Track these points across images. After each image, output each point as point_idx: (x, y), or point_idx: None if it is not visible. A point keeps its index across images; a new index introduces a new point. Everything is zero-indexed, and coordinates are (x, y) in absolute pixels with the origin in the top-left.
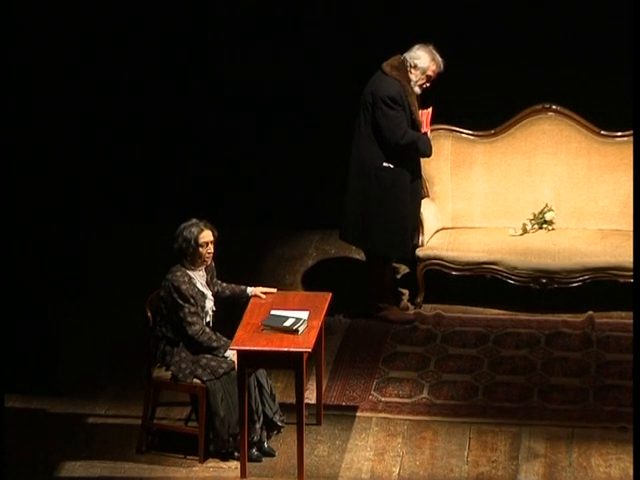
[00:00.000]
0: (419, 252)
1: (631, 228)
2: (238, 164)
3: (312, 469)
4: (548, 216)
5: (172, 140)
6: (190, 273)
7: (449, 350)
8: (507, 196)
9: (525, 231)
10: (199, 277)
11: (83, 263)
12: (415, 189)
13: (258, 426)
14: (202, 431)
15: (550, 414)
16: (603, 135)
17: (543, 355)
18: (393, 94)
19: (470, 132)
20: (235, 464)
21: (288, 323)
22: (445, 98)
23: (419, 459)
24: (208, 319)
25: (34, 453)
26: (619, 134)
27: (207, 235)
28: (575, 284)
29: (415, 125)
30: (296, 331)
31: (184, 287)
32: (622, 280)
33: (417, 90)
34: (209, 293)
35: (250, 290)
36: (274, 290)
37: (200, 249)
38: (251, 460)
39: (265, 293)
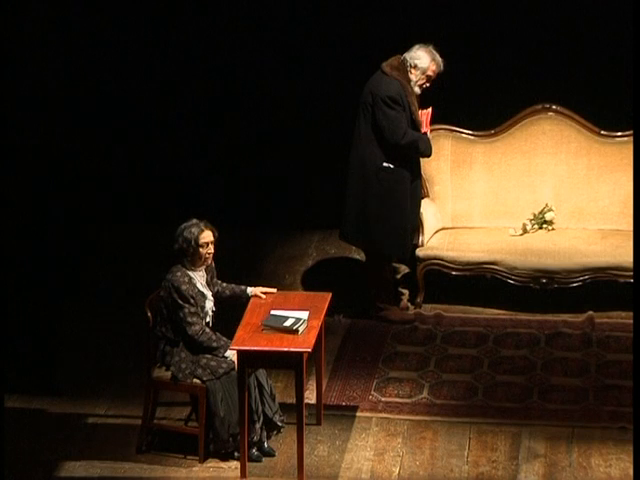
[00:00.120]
0: (419, 252)
1: (631, 228)
2: (238, 164)
3: (312, 469)
4: (548, 216)
5: (172, 140)
6: (190, 273)
7: (449, 350)
8: (507, 196)
9: (525, 231)
10: (199, 277)
11: (83, 263)
12: (415, 189)
13: (258, 426)
14: (202, 431)
15: (550, 414)
16: (603, 135)
17: (543, 355)
18: (393, 94)
19: (470, 132)
20: (235, 464)
21: (288, 323)
22: (445, 98)
23: (419, 459)
24: (208, 319)
25: (34, 453)
26: (619, 134)
27: (207, 235)
28: (575, 284)
29: (415, 125)
30: (296, 331)
31: (184, 287)
32: (622, 280)
33: (417, 90)
34: (209, 293)
35: (250, 290)
36: (274, 290)
37: (200, 249)
38: (251, 460)
39: (265, 293)
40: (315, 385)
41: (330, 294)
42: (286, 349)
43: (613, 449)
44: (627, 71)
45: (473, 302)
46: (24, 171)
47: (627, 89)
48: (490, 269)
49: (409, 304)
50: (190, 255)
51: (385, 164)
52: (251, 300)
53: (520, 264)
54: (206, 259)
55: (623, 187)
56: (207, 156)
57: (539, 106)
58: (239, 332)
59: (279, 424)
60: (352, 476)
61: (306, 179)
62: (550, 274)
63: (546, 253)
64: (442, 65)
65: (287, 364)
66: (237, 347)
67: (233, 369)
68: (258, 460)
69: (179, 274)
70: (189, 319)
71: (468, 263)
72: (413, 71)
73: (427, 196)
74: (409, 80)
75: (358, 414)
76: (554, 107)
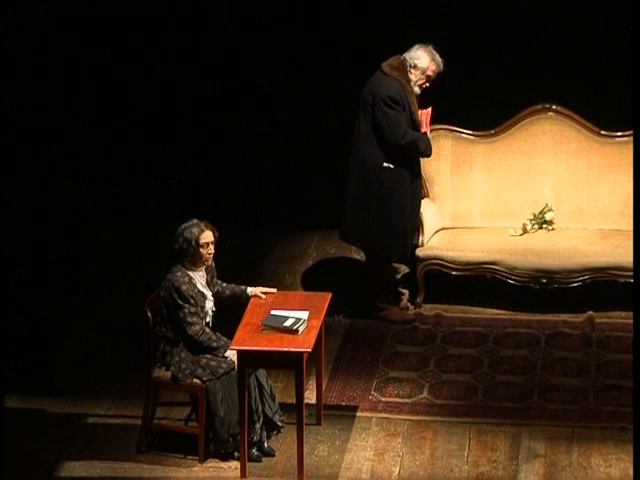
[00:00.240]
0: (419, 252)
1: (631, 228)
2: (238, 164)
3: (312, 469)
4: (548, 216)
5: (172, 140)
6: (190, 273)
7: (449, 350)
8: (507, 196)
9: (525, 231)
10: (199, 277)
11: (83, 263)
12: (415, 189)
13: (258, 426)
14: (202, 431)
15: (550, 414)
16: (603, 135)
17: (543, 355)
18: (393, 94)
19: (470, 132)
20: (235, 464)
21: (288, 323)
22: (445, 98)
23: (419, 459)
24: (208, 319)
25: (34, 453)
26: (619, 134)
27: (208, 236)
28: (575, 284)
29: (415, 125)
30: (296, 331)
31: (184, 287)
32: (622, 280)
33: (417, 90)
34: (209, 293)
35: (250, 290)
36: (274, 290)
37: (201, 249)
38: (251, 460)
39: (265, 293)
40: (315, 385)
41: (330, 294)
42: (286, 349)
43: (613, 449)
44: (627, 71)
45: (473, 302)
46: (24, 171)
47: (627, 89)
48: (490, 269)
49: (409, 304)
50: (190, 255)
51: (385, 164)
52: (251, 300)
53: (520, 264)
54: (206, 259)
55: (623, 187)
56: (207, 156)
57: (539, 106)
58: (239, 332)
59: (279, 424)
60: (352, 476)
61: (306, 179)
62: (550, 274)
63: (546, 253)
64: (442, 65)
65: (287, 364)
66: (237, 347)
67: (233, 369)
68: (258, 460)
69: (179, 274)
70: (189, 319)
71: (468, 263)
72: (413, 71)
73: (427, 196)
74: (409, 80)
75: (358, 414)
76: (554, 107)
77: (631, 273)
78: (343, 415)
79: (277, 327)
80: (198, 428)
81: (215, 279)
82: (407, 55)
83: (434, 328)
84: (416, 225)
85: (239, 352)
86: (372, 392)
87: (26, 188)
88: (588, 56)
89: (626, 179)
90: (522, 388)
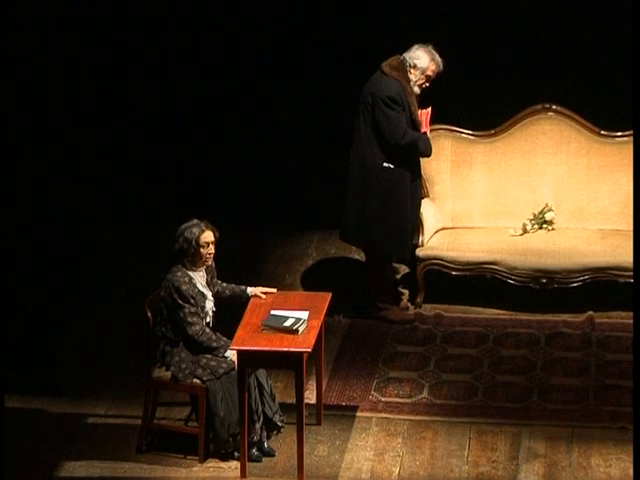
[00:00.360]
0: (419, 252)
1: (631, 228)
2: (238, 164)
3: (312, 469)
4: (548, 216)
5: (172, 140)
6: (190, 273)
7: (449, 350)
8: (507, 196)
9: (525, 231)
10: (199, 277)
11: (83, 263)
12: (415, 189)
13: (258, 426)
14: (202, 431)
15: (550, 414)
16: (603, 135)
17: (543, 355)
18: (393, 94)
19: (470, 132)
20: (235, 464)
21: (288, 323)
22: (445, 98)
23: (419, 459)
24: (208, 319)
25: (34, 453)
26: (619, 134)
27: (208, 236)
28: (575, 284)
29: (415, 125)
30: (296, 331)
31: (184, 287)
32: (622, 280)
33: (417, 90)
34: (209, 293)
35: (250, 290)
36: (274, 290)
37: (201, 250)
38: (251, 460)
39: (265, 293)
40: (315, 385)
41: (330, 294)
42: (286, 349)
43: (613, 449)
44: (627, 71)
45: (473, 302)
46: (24, 171)
47: (627, 89)
48: (490, 269)
49: (409, 304)
50: (191, 255)
51: (385, 164)
52: (251, 300)
53: (520, 264)
54: (207, 259)
55: (623, 187)
56: (207, 156)
57: (539, 106)
58: (239, 332)
59: (279, 424)
60: (352, 476)
61: (306, 179)
62: (550, 274)
63: (546, 253)
64: (442, 65)
65: (287, 364)
66: (237, 347)
67: (233, 369)
68: (258, 460)
69: (179, 274)
70: (189, 319)
71: (468, 263)
72: (412, 71)
73: (427, 196)
74: (409, 80)
75: (358, 414)
76: (554, 107)
77: (631, 273)
78: (343, 415)
79: (277, 327)
80: (198, 428)
81: (215, 279)
82: (407, 55)
83: (434, 328)
84: (416, 225)
85: (239, 352)
86: (372, 392)
87: (26, 188)
88: (588, 56)
89: (626, 179)
90: (522, 388)
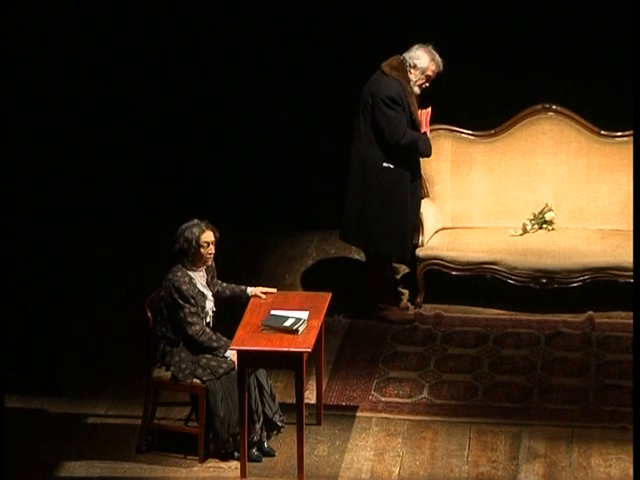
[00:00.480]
0: (419, 252)
1: (631, 228)
2: (238, 164)
3: (312, 469)
4: (548, 216)
5: (172, 140)
6: (190, 273)
7: (449, 350)
8: (507, 196)
9: (525, 231)
10: (199, 277)
11: (83, 263)
12: (415, 189)
13: (258, 426)
14: (202, 431)
15: (550, 414)
16: (603, 135)
17: (543, 355)
18: (393, 94)
19: (470, 132)
20: (235, 464)
21: (288, 323)
22: (445, 98)
23: (419, 459)
24: (208, 319)
25: (34, 453)
26: (619, 134)
27: (209, 236)
28: (575, 284)
29: (415, 125)
30: (296, 331)
31: (184, 287)
32: (622, 280)
33: (417, 90)
34: (209, 293)
35: (250, 290)
36: (274, 290)
37: (201, 250)
38: (251, 460)
39: (265, 293)
40: (315, 385)
41: (330, 294)
42: (286, 349)
43: (613, 449)
44: (627, 71)
45: (473, 302)
46: (24, 171)
47: (627, 89)
48: (490, 269)
49: (409, 304)
50: (191, 255)
51: (385, 164)
52: (251, 300)
53: (520, 264)
54: (207, 259)
55: (623, 187)
56: (207, 156)
57: (539, 106)
58: (239, 332)
59: (279, 424)
60: (352, 476)
61: (306, 179)
62: (550, 274)
63: (546, 253)
64: (442, 65)
65: (287, 364)
66: (237, 347)
67: (233, 369)
68: (258, 460)
69: (179, 274)
70: (189, 319)
71: (468, 263)
72: (412, 71)
73: (427, 196)
74: (409, 80)
75: (358, 414)
76: (554, 107)
77: (631, 273)
78: (343, 415)
79: (277, 327)
80: (198, 428)
81: (215, 279)
82: (407, 55)
83: (434, 328)
84: (416, 225)
85: (239, 352)
86: (372, 392)
87: (26, 188)
88: (588, 56)
89: (626, 179)
90: (522, 388)
